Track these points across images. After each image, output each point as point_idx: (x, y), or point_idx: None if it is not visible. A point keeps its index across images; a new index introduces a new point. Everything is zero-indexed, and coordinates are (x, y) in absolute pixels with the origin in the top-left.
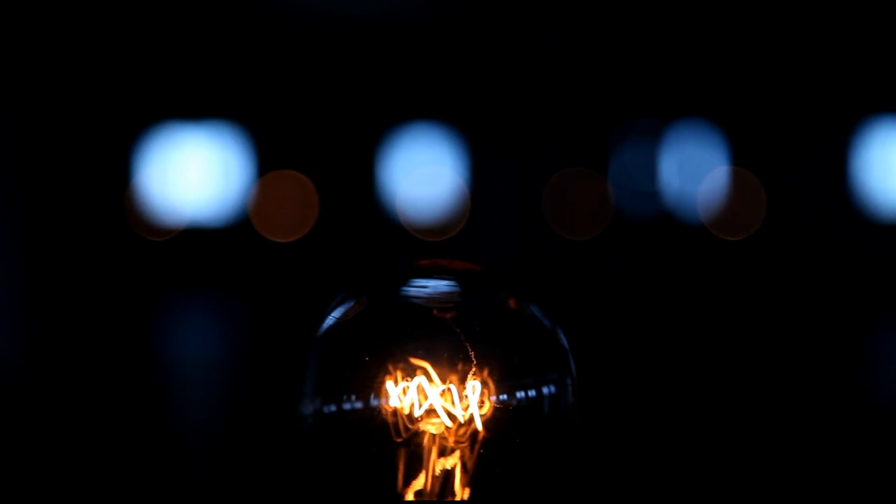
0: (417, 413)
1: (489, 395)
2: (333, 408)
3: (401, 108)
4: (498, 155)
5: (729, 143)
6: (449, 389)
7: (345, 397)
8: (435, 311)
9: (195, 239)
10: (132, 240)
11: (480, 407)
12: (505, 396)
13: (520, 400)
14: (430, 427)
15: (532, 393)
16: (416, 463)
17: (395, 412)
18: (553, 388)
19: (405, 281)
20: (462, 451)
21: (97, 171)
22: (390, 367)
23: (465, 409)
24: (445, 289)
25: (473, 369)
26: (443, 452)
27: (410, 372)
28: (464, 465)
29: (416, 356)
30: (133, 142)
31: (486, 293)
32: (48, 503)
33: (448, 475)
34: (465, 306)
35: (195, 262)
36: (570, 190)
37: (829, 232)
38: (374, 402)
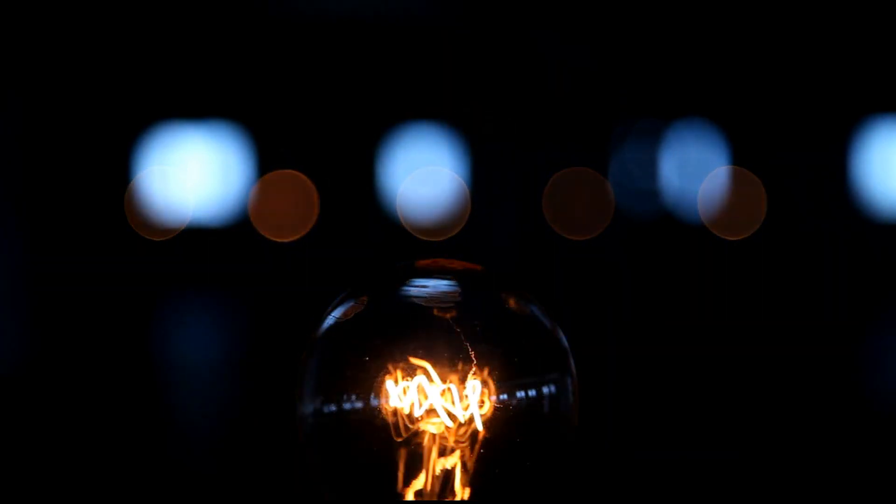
0: (417, 413)
1: (489, 395)
2: (333, 408)
3: (401, 108)
4: (498, 155)
5: (729, 143)
6: (449, 389)
7: (345, 397)
8: (435, 311)
9: (195, 239)
10: (132, 240)
11: (480, 407)
12: (505, 396)
13: (520, 400)
14: (430, 427)
15: (532, 393)
16: (416, 463)
17: (395, 412)
18: (553, 388)
19: (405, 281)
20: (462, 451)
21: (97, 171)
22: (390, 367)
23: (465, 408)
24: (445, 289)
25: (473, 369)
26: (443, 452)
27: (410, 372)
28: (464, 465)
29: (416, 356)
30: (133, 142)
31: (486, 293)
32: (48, 503)
33: (448, 475)
34: (465, 306)
35: (195, 262)
36: (570, 190)
37: (829, 232)
38: (374, 402)
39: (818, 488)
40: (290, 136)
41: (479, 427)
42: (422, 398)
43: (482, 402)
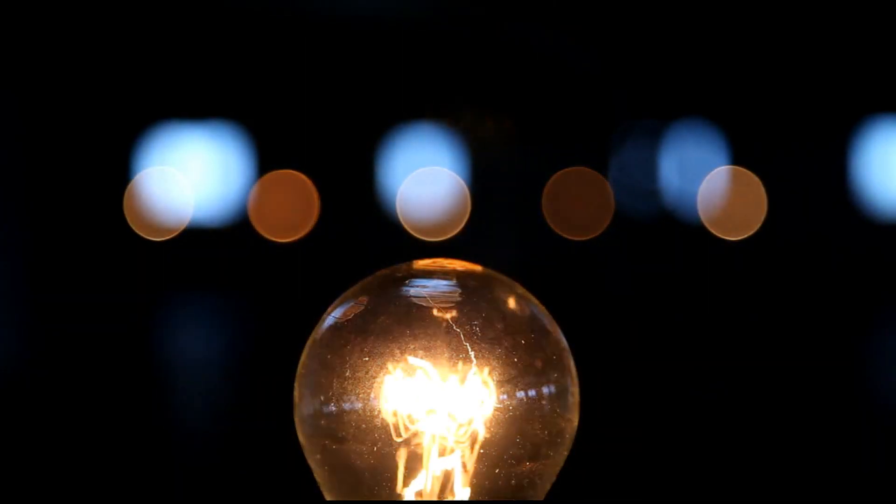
0: (417, 413)
1: (489, 395)
2: (333, 408)
3: (401, 108)
4: (498, 155)
5: (729, 143)
6: (449, 389)
7: (345, 397)
8: (435, 311)
9: (195, 239)
10: (132, 240)
11: (480, 407)
12: (505, 396)
13: (520, 400)
14: (430, 427)
15: (532, 393)
16: (416, 463)
17: (394, 412)
18: (553, 388)
19: (405, 281)
20: (462, 451)
21: (97, 171)
22: (390, 367)
23: (465, 409)
24: (445, 289)
25: (473, 369)
26: (443, 452)
27: (410, 372)
28: (464, 465)
29: (416, 356)
30: (133, 142)
31: (486, 293)
32: (48, 503)
33: (448, 475)
34: (465, 306)
35: (195, 262)
36: (570, 190)
37: (829, 232)
38: (373, 402)
39: (819, 489)
40: (290, 136)
41: (479, 427)
42: (422, 398)
43: (482, 402)
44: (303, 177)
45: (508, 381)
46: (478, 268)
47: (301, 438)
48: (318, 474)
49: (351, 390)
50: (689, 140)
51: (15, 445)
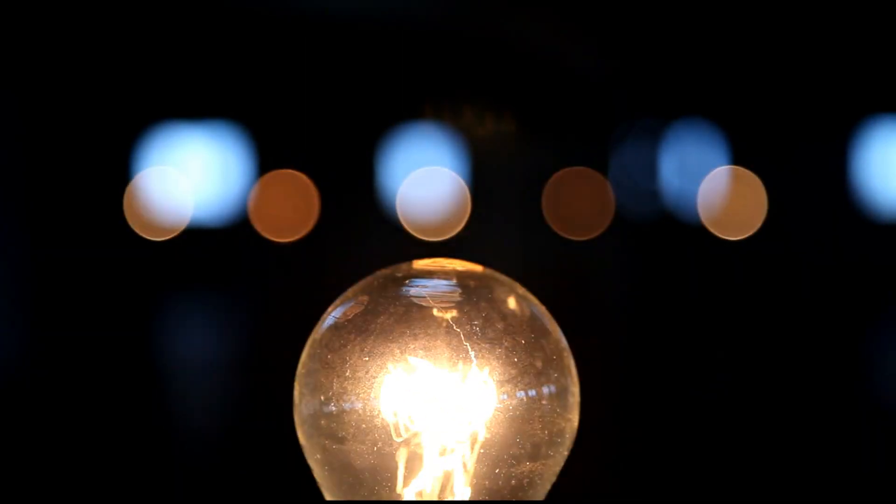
0: (417, 413)
1: (489, 395)
2: (333, 408)
3: (401, 108)
4: (498, 155)
5: (729, 143)
6: (449, 389)
7: (345, 397)
8: (435, 311)
9: (195, 239)
10: (132, 240)
11: (480, 407)
12: (505, 396)
13: (520, 400)
14: (431, 427)
15: (532, 393)
16: (416, 463)
17: (395, 412)
18: (553, 388)
19: (405, 281)
20: (462, 451)
21: (97, 171)
22: (390, 367)
23: (465, 409)
24: (445, 289)
25: (473, 369)
26: (443, 452)
27: (410, 372)
28: (464, 465)
29: (416, 356)
30: (133, 142)
31: (486, 293)
32: (48, 503)
33: (448, 475)
34: (465, 306)
35: (195, 262)
36: (570, 190)
37: (830, 232)
38: (374, 402)
39: (819, 488)
40: (290, 136)
41: (479, 427)
42: (422, 398)
43: (482, 402)
44: (303, 177)
45: (508, 381)
46: (478, 268)
47: (301, 438)
48: (318, 474)
49: (351, 390)
50: (689, 140)
51: (16, 446)
